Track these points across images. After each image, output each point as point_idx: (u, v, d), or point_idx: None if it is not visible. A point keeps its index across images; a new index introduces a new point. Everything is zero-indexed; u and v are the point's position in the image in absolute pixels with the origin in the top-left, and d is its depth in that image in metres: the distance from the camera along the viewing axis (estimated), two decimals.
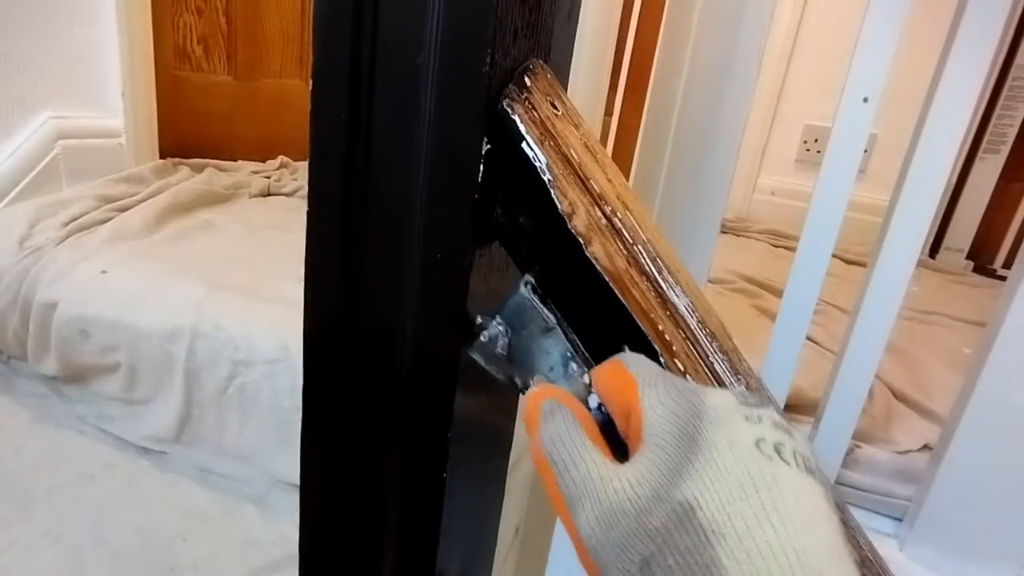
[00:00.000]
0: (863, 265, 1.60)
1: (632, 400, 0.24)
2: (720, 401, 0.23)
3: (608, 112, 2.14)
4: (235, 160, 1.72)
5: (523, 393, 0.30)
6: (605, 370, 0.27)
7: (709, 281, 1.43)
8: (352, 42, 0.35)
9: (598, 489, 0.22)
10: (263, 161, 1.75)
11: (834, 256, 0.68)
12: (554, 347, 0.31)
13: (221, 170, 1.64)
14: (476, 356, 0.32)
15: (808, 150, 2.01)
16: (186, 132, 1.62)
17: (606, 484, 0.22)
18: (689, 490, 0.20)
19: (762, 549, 0.18)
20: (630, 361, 0.26)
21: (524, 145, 0.34)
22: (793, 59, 1.96)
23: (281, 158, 1.76)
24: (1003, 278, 1.81)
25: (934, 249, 1.88)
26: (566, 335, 0.33)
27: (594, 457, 0.23)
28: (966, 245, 1.88)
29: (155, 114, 1.50)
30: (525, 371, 0.30)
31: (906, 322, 1.34)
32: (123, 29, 1.34)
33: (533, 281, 0.34)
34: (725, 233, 1.97)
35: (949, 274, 1.79)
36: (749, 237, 1.95)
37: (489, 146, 0.34)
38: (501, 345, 0.30)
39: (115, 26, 1.33)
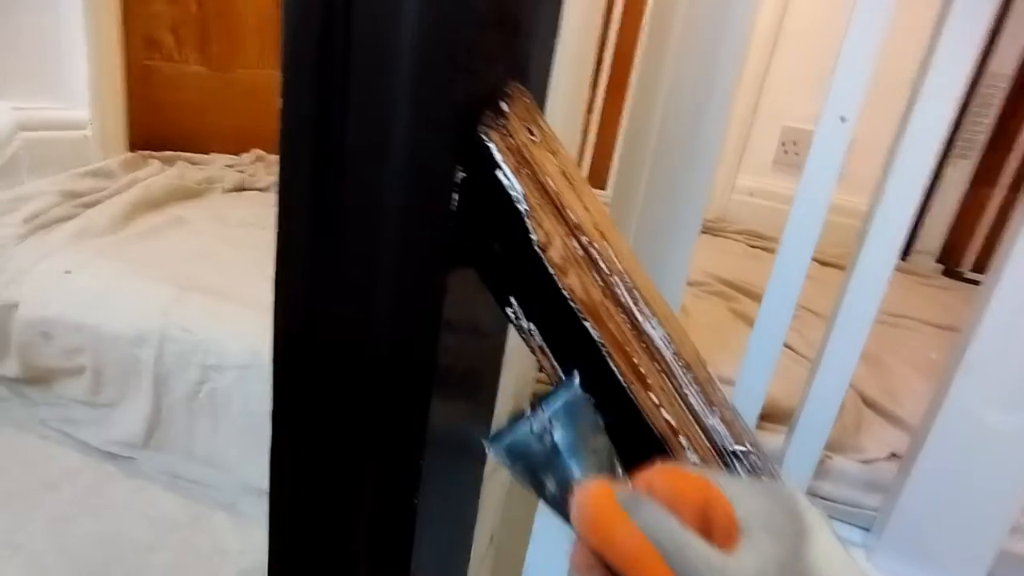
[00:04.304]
0: (839, 267, 1.62)
1: (713, 496, 0.25)
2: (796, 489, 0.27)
3: (587, 109, 2.13)
4: (208, 153, 1.67)
5: (550, 495, 0.28)
6: (664, 472, 0.27)
7: (687, 283, 1.44)
8: (321, 64, 0.34)
9: (726, 574, 0.23)
10: (237, 154, 1.71)
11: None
12: (601, 448, 0.30)
13: (193, 164, 1.59)
14: (504, 450, 0.29)
15: (786, 152, 2.03)
16: (156, 124, 1.57)
17: (730, 569, 0.23)
18: (812, 568, 0.23)
19: None
20: (689, 465, 0.27)
21: (499, 173, 0.33)
22: (773, 61, 1.97)
23: (256, 151, 1.72)
24: (971, 281, 1.87)
25: (905, 252, 1.92)
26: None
27: (702, 542, 0.24)
28: (936, 248, 1.92)
29: (123, 105, 1.46)
30: (561, 472, 0.28)
31: (875, 325, 1.36)
32: (89, 16, 1.29)
33: (578, 376, 0.33)
34: (703, 233, 1.98)
35: (919, 276, 1.83)
36: (727, 237, 1.96)
37: (464, 174, 0.33)
38: (545, 441, 0.28)
39: (80, 12, 1.28)
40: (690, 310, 1.30)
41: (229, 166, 1.63)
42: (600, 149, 2.13)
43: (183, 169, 1.51)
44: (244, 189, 1.57)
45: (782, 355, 0.75)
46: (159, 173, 1.44)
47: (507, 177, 0.33)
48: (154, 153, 1.54)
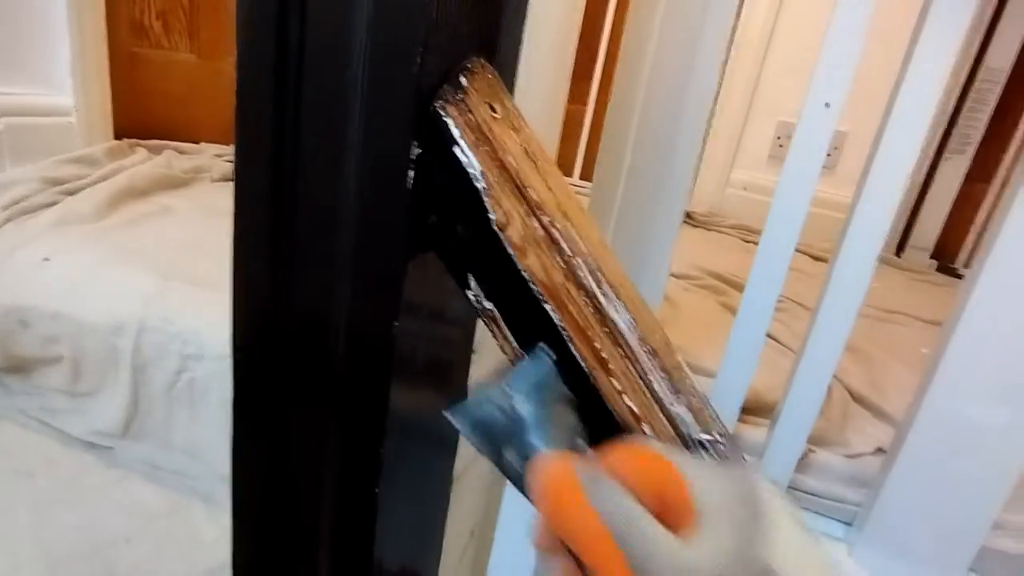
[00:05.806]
0: None
1: (672, 478, 0.24)
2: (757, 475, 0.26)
3: (583, 101, 2.12)
4: (197, 142, 1.65)
5: (512, 469, 0.27)
6: (626, 451, 0.26)
7: (677, 276, 1.43)
8: (278, 34, 0.33)
9: (676, 557, 0.22)
10: (227, 144, 1.69)
11: (802, 252, 0.68)
12: (567, 423, 0.29)
13: (181, 152, 1.58)
14: (466, 420, 0.28)
15: (781, 146, 2.02)
16: (143, 112, 1.55)
17: (681, 553, 0.22)
18: (767, 554, 0.22)
19: None
20: (652, 444, 0.28)
21: (456, 150, 0.32)
22: (768, 55, 1.96)
23: None
24: (964, 277, 1.86)
25: (900, 247, 1.91)
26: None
27: (655, 524, 0.23)
28: (931, 244, 1.91)
29: (108, 92, 1.43)
30: (524, 445, 0.27)
31: (867, 320, 1.35)
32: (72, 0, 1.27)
33: (548, 349, 0.32)
34: (696, 227, 1.98)
35: (913, 272, 1.82)
36: (720, 232, 1.95)
37: (420, 150, 0.32)
38: (509, 413, 0.27)
39: None
40: (679, 303, 1.29)
41: (218, 156, 1.62)
42: (596, 139, 2.12)
43: (170, 158, 1.49)
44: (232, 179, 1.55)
45: (770, 349, 0.74)
46: (145, 161, 1.42)
47: (465, 154, 0.32)
48: (141, 141, 1.52)
